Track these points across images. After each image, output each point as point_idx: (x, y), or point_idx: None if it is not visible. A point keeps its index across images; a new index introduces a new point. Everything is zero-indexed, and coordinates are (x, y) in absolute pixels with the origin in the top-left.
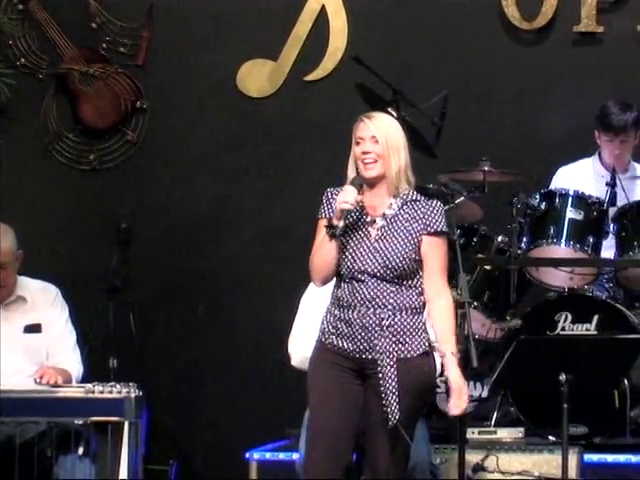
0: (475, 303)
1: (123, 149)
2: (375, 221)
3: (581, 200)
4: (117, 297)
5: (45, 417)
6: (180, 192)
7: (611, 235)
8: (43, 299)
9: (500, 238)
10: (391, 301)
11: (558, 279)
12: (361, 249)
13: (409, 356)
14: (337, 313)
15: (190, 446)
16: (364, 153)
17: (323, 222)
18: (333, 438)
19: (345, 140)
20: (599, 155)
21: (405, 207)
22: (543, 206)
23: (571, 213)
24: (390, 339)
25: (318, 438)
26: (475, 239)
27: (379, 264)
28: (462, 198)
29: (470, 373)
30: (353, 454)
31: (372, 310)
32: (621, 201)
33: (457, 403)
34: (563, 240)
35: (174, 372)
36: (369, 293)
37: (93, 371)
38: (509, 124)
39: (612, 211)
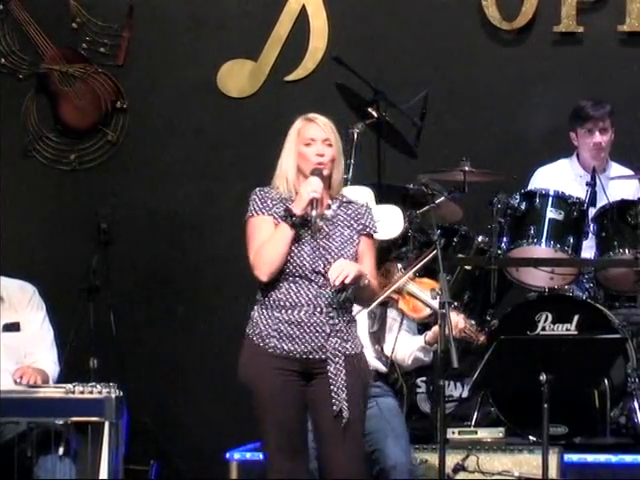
0: (455, 303)
1: (103, 149)
2: (316, 221)
3: (561, 200)
4: (97, 297)
5: (25, 417)
6: (160, 192)
7: (591, 235)
8: (20, 298)
9: (480, 238)
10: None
11: (538, 279)
12: (308, 248)
13: (354, 353)
14: (278, 315)
15: (171, 446)
16: (319, 155)
17: (261, 219)
18: (291, 439)
19: None
20: (577, 156)
21: (342, 208)
22: (523, 206)
23: (551, 213)
24: (338, 337)
25: (278, 442)
26: (455, 239)
27: (329, 263)
28: (442, 198)
29: (451, 374)
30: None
31: (319, 309)
32: (601, 201)
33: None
34: (543, 240)
35: (154, 372)
36: (316, 292)
37: (73, 371)
38: (489, 124)
39: (592, 211)
